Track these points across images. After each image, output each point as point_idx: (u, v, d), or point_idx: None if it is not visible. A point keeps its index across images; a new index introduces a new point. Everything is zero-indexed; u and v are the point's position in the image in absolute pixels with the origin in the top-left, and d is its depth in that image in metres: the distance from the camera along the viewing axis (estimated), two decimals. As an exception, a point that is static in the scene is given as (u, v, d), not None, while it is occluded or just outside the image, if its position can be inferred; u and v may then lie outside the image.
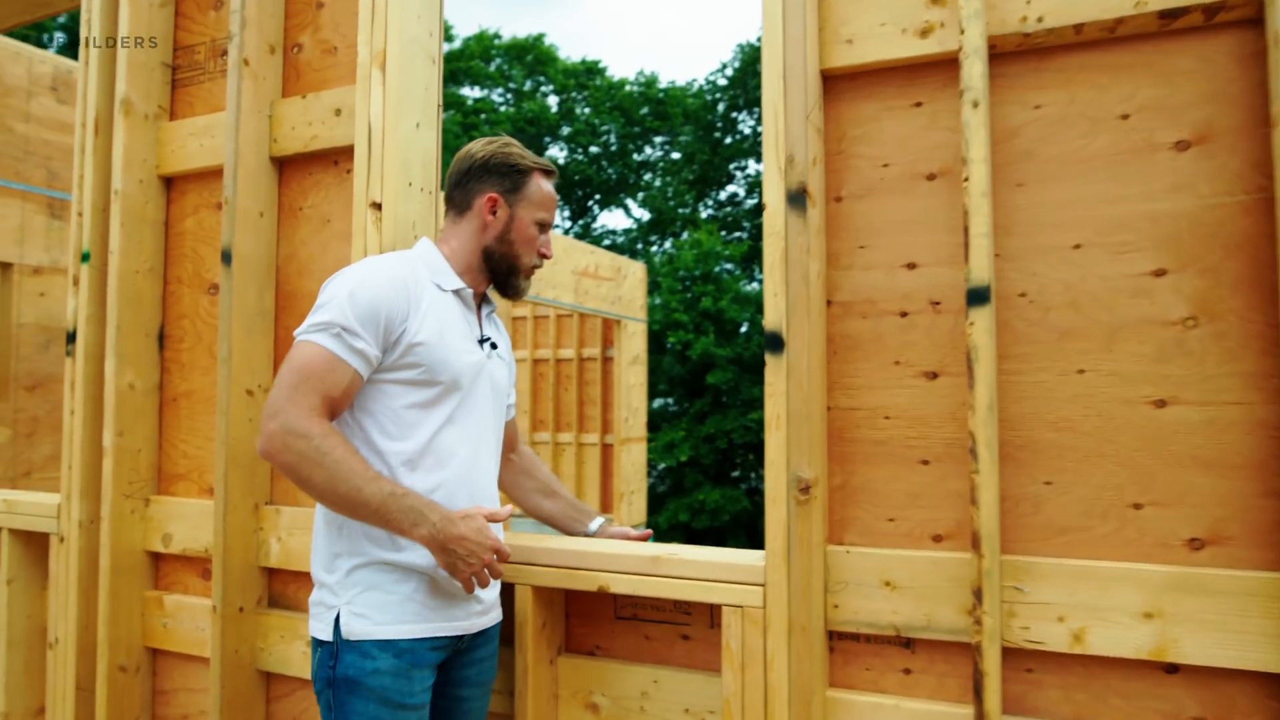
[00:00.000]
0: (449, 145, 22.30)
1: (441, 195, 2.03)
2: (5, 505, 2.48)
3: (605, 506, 11.48)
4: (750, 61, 21.42)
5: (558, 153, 25.86)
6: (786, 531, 1.51)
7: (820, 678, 1.54)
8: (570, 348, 11.94)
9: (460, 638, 1.59)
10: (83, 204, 2.33)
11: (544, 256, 1.72)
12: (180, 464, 2.33)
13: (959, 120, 1.54)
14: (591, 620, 1.83)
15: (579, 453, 11.82)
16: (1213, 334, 1.39)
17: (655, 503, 18.95)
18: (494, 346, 1.71)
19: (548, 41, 25.92)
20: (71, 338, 2.33)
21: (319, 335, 1.46)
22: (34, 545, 2.50)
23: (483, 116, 24.54)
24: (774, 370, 1.54)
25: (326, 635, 1.50)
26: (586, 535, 1.89)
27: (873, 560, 1.55)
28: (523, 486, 1.96)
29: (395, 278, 1.54)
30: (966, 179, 1.44)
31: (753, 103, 21.97)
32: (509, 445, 1.93)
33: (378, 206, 1.91)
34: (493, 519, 1.51)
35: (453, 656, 1.60)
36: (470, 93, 25.56)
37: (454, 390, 1.58)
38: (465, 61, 25.08)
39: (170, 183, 2.39)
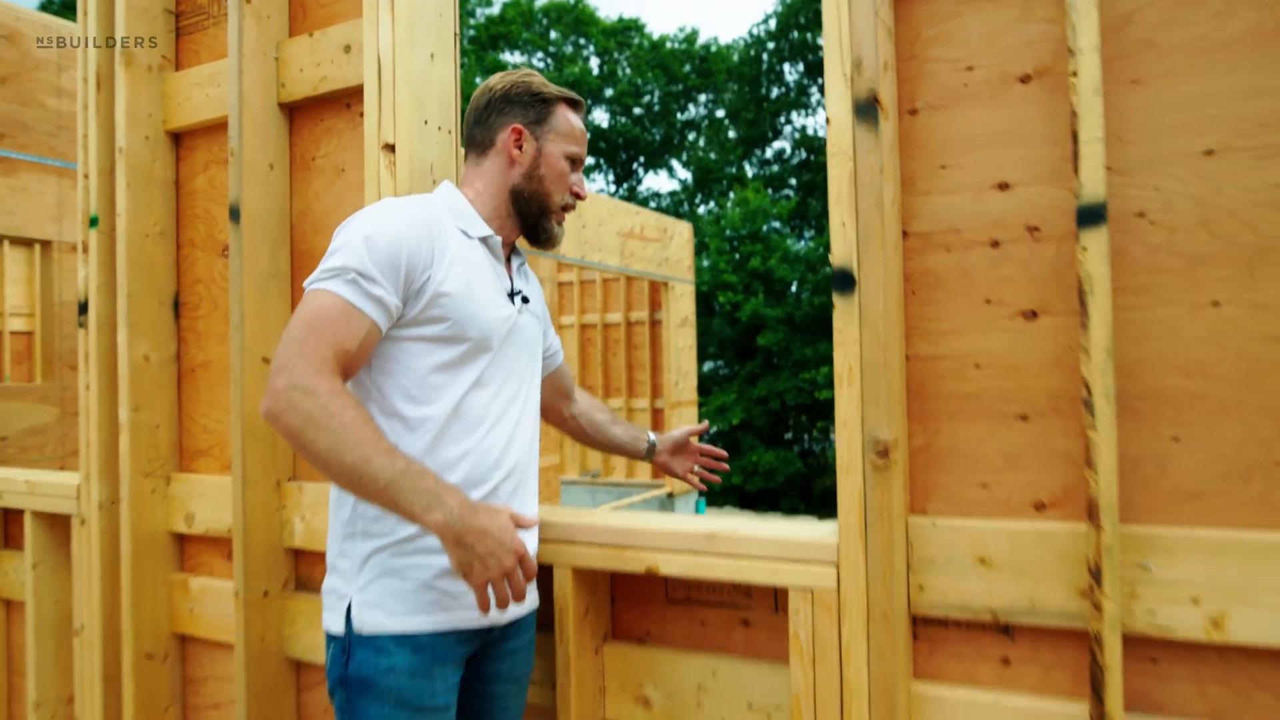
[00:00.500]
0: (490, 112, 22.07)
1: (460, 136, 1.83)
2: (27, 486, 2.38)
3: (657, 473, 11.33)
4: (794, 9, 20.73)
5: (601, 115, 25.51)
6: (862, 502, 1.30)
7: (905, 670, 1.33)
8: (618, 312, 11.74)
9: (490, 629, 1.41)
10: (88, 166, 2.18)
11: (577, 196, 1.52)
12: (201, 439, 2.19)
13: (1059, 8, 1.29)
14: (641, 604, 1.64)
15: (629, 418, 11.68)
16: (1389, 252, 1.13)
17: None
18: (526, 301, 1.52)
19: (588, 2, 25.45)
20: (84, 308, 2.20)
21: (332, 282, 1.27)
22: (58, 528, 2.40)
23: (523, 82, 24.23)
24: (844, 314, 1.31)
25: (338, 628, 1.34)
26: (652, 449, 1.87)
27: (964, 533, 1.33)
28: (597, 422, 1.89)
29: (416, 220, 1.35)
30: (1074, 74, 1.19)
31: (797, 53, 21.31)
32: (566, 393, 1.86)
33: (391, 149, 1.72)
34: (519, 523, 1.28)
35: (482, 649, 1.43)
36: (511, 58, 25.28)
37: (483, 349, 1.40)
38: (504, 27, 24.78)
39: (179, 139, 2.23)
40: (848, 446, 1.30)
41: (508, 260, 1.55)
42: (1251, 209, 1.19)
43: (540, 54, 25.46)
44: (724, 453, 1.88)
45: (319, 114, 1.99)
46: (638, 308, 11.64)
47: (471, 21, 24.84)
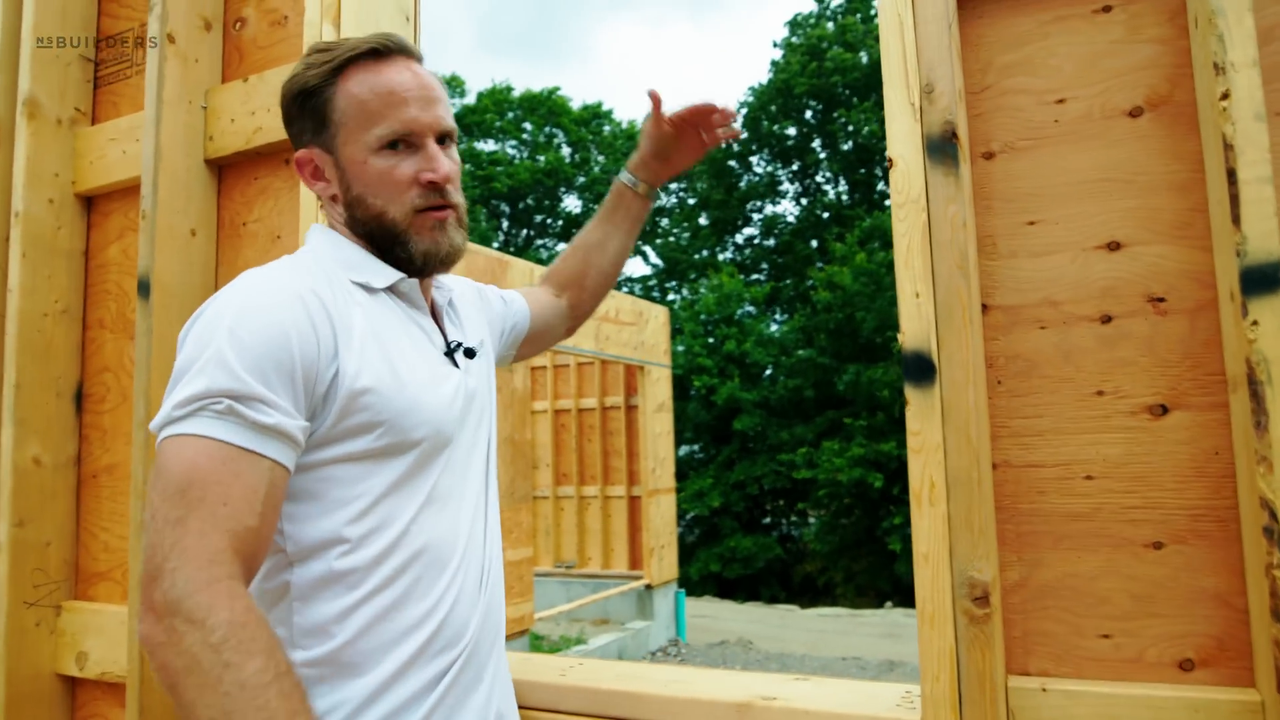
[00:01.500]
0: (467, 196, 22.10)
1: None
2: (-112, 617, 1.95)
3: (634, 563, 10.84)
4: (764, 101, 21.16)
5: (574, 202, 25.67)
6: (954, 665, 0.95)
7: None
8: (593, 397, 11.41)
9: None
10: (-21, 232, 1.85)
11: (431, 185, 1.04)
12: (102, 559, 1.80)
13: (1174, 25, 1.02)
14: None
15: (605, 506, 11.23)
16: None
17: (685, 553, 18.21)
18: (470, 354, 1.14)
19: (562, 93, 25.93)
20: (-36, 401, 1.83)
21: (195, 421, 0.86)
22: (-77, 668, 1.97)
23: (499, 169, 24.43)
24: (921, 410, 1.00)
25: None
26: (638, 183, 1.42)
27: (1085, 701, 0.99)
28: (585, 265, 1.47)
29: (295, 292, 0.95)
30: (1224, 96, 0.91)
31: (765, 143, 21.66)
32: (554, 306, 1.47)
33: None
34: None
35: None
36: (484, 146, 25.52)
37: (439, 449, 1.03)
38: (479, 116, 25.07)
39: (91, 202, 1.90)
40: (932, 589, 0.97)
41: (432, 301, 1.16)
42: None
43: (514, 142, 25.73)
44: (713, 105, 1.31)
45: (253, 171, 1.68)
46: (613, 393, 11.32)
47: (445, 110, 25.08)
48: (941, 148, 1.01)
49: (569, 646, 8.86)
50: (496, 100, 25.44)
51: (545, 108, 25.33)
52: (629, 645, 9.29)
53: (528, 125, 25.57)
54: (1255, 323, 0.88)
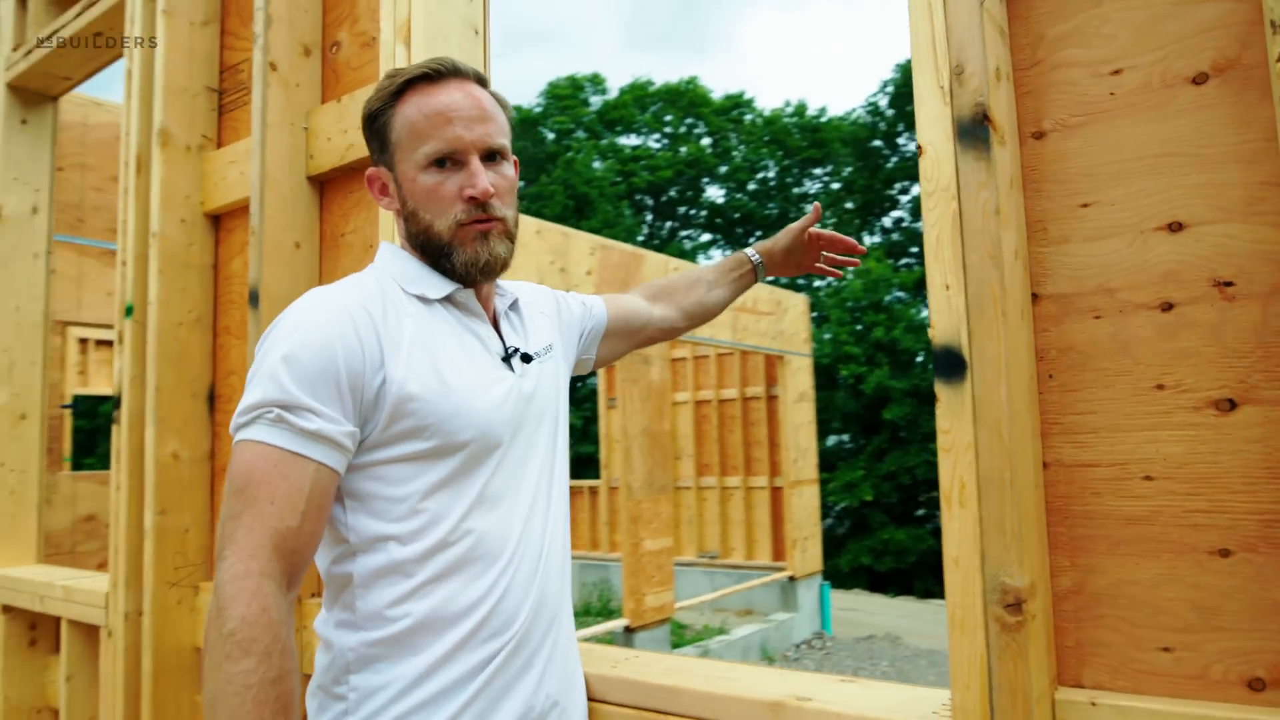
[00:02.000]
0: (606, 193, 22.51)
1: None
2: (64, 592, 2.23)
3: (778, 554, 10.74)
4: (909, 81, 20.35)
5: (717, 192, 25.60)
6: (986, 675, 0.91)
7: None
8: (733, 387, 11.38)
9: None
10: (126, 252, 2.07)
11: (472, 200, 1.09)
12: (232, 545, 1.98)
13: (1244, -20, 0.93)
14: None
15: (747, 497, 11.19)
16: None
17: (835, 545, 17.88)
18: (526, 359, 1.19)
19: (701, 83, 25.87)
20: (117, 403, 2.06)
21: (253, 429, 0.97)
22: (91, 639, 2.23)
23: (641, 163, 24.69)
24: (951, 408, 0.95)
25: None
26: (760, 269, 1.60)
27: (1136, 717, 0.92)
28: (692, 303, 1.58)
29: (346, 310, 1.03)
30: (1281, 58, 0.82)
31: (911, 122, 20.84)
32: (644, 314, 1.54)
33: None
34: None
35: None
36: (627, 141, 25.85)
37: (488, 449, 1.08)
38: (620, 111, 25.42)
39: (218, 220, 2.09)
40: (962, 594, 0.93)
41: (493, 310, 1.23)
42: None
43: (656, 135, 25.92)
44: (849, 241, 1.56)
45: (348, 185, 1.80)
46: (754, 383, 11.25)
47: (590, 107, 25.61)
48: (973, 131, 0.96)
49: (711, 636, 8.89)
50: (637, 95, 25.71)
51: (685, 99, 25.38)
52: (772, 637, 9.23)
53: (668, 118, 25.70)
54: (1316, 309, 0.79)
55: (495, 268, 1.14)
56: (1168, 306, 0.96)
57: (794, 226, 1.56)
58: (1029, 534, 0.93)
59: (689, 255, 24.18)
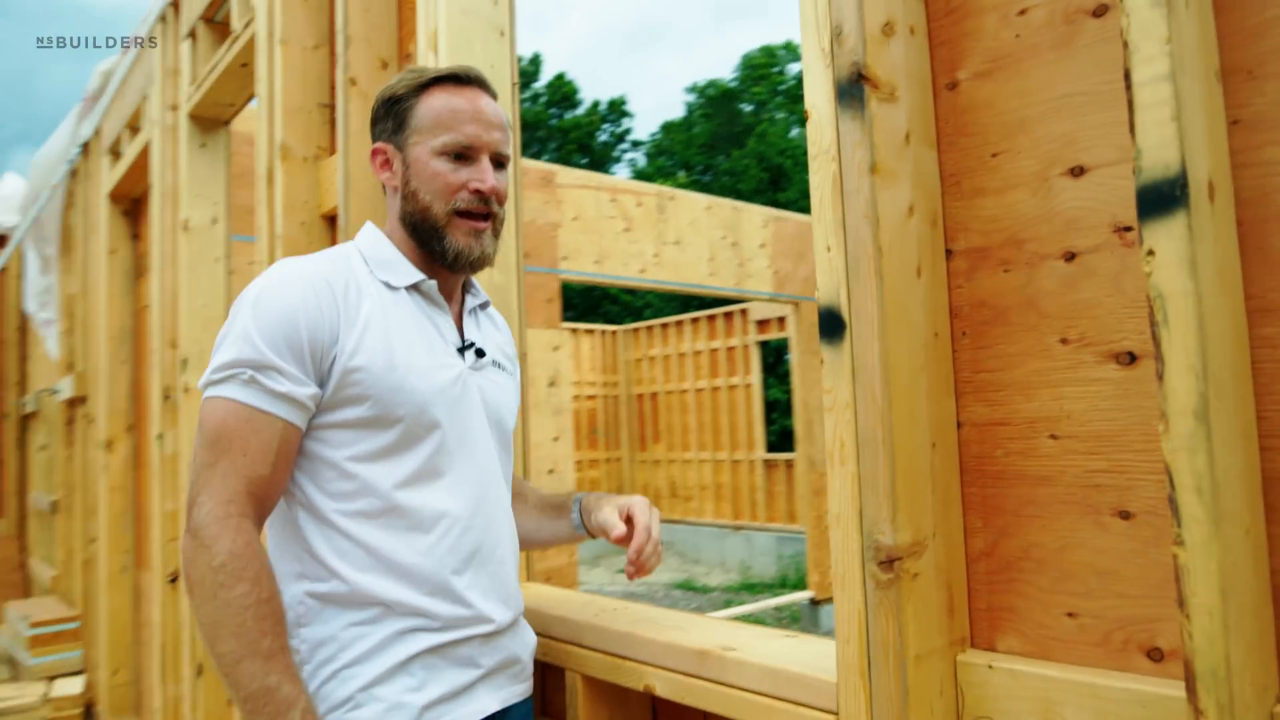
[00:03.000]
0: (801, 163, 22.02)
1: (512, 187, 1.71)
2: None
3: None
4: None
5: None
6: (863, 631, 0.92)
7: None
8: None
9: None
10: (260, 252, 2.38)
11: (478, 194, 1.21)
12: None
13: (1143, -102, 0.86)
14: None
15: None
16: None
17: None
18: (480, 354, 1.28)
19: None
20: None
21: (226, 386, 1.09)
22: None
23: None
24: (833, 368, 0.96)
25: None
26: (574, 526, 1.37)
27: (1027, 683, 0.89)
28: (541, 530, 1.43)
29: (312, 283, 1.14)
30: (1123, -16, 0.76)
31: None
32: (515, 492, 1.45)
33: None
34: None
35: None
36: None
37: (426, 427, 1.17)
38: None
39: (332, 221, 2.36)
40: (843, 550, 0.94)
41: (460, 305, 1.32)
42: None
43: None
44: (639, 558, 1.22)
45: (417, 183, 1.99)
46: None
47: (787, 75, 25.12)
48: (849, 92, 0.95)
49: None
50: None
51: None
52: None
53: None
54: (1151, 252, 0.73)
55: (481, 264, 1.25)
56: (1070, 256, 0.91)
57: (609, 519, 1.29)
58: (911, 494, 0.93)
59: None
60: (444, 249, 1.23)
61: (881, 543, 0.91)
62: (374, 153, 1.30)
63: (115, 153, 4.16)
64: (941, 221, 1.01)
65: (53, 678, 4.22)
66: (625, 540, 1.23)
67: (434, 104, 1.23)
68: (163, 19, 3.33)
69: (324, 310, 1.14)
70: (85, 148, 4.74)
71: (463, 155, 1.22)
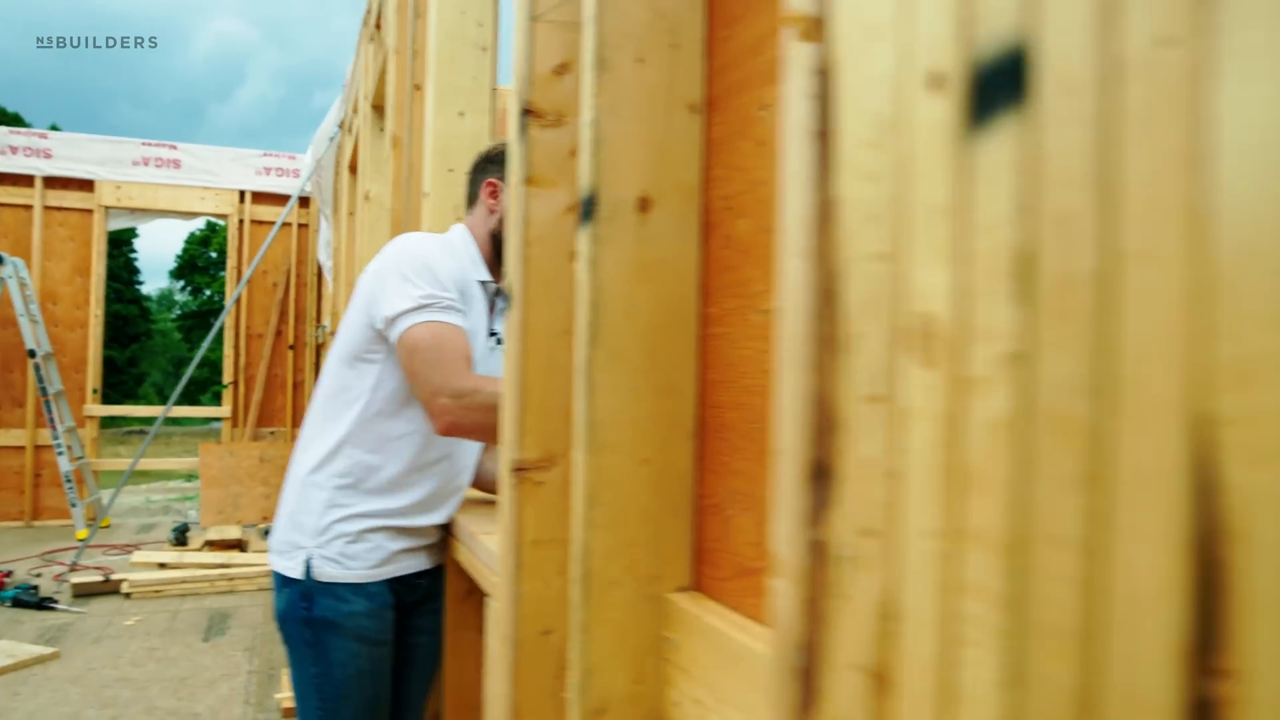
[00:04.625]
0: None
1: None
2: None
3: None
4: None
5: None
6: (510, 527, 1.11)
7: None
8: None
9: (419, 581, 1.67)
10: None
11: None
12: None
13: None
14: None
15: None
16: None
17: None
18: (499, 342, 1.68)
19: None
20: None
21: (431, 313, 1.49)
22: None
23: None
24: (508, 329, 1.15)
25: (297, 574, 1.59)
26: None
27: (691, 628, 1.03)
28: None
29: (455, 264, 1.59)
30: None
31: None
32: None
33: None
34: None
35: (411, 604, 1.68)
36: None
37: None
38: None
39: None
40: (501, 463, 1.15)
41: (493, 301, 1.71)
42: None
43: None
44: None
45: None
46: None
47: None
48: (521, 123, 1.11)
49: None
50: None
51: None
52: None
53: None
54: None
55: None
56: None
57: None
58: (539, 421, 1.10)
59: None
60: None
61: (514, 457, 1.10)
62: (488, 185, 1.70)
63: (349, 130, 4.93)
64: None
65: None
66: None
67: None
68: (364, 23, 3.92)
69: (467, 277, 1.62)
70: (341, 125, 5.62)
71: None
